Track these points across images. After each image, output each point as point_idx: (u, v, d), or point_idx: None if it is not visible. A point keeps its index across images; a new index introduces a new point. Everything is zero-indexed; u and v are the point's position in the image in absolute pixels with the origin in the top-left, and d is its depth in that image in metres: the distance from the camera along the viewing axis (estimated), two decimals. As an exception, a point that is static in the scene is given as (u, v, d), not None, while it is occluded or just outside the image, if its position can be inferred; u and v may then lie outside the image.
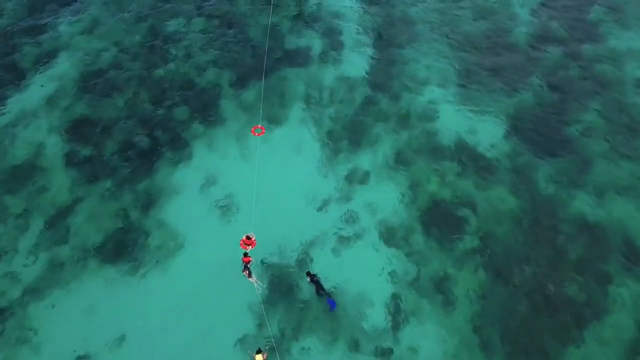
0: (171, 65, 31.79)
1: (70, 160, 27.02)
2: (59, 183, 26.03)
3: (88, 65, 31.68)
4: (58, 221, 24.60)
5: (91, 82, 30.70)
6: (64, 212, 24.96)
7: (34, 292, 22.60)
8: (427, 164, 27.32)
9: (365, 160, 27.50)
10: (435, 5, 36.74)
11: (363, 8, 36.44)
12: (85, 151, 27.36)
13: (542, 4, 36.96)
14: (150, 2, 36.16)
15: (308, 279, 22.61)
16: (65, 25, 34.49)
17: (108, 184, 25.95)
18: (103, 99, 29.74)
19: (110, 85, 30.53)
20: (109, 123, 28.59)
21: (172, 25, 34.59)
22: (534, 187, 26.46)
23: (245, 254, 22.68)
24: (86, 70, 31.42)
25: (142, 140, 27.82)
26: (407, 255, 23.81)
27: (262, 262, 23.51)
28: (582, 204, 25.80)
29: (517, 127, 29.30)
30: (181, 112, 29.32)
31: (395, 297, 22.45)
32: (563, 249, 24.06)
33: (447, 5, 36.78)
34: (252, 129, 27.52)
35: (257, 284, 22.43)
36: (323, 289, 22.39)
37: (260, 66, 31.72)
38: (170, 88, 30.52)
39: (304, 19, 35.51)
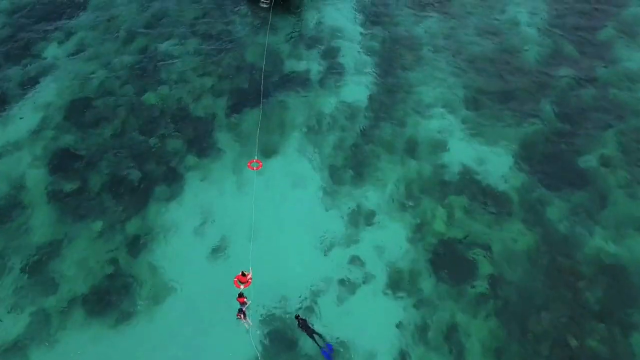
0: (163, 91, 30.09)
1: (54, 196, 25.29)
2: (42, 222, 24.29)
3: (75, 91, 29.94)
4: (40, 266, 22.85)
5: (78, 110, 28.96)
6: (46, 256, 23.20)
7: (8, 351, 20.77)
8: (435, 199, 25.69)
9: (369, 195, 25.86)
10: (440, 24, 35.19)
11: (365, 27, 34.85)
12: (71, 186, 25.61)
13: (551, 23, 35.46)
14: (142, 21, 34.47)
15: (297, 324, 20.97)
16: (52, 46, 32.76)
17: (95, 223, 24.21)
18: (90, 129, 28.00)
19: (98, 113, 28.80)
20: (96, 155, 26.85)
21: (165, 46, 32.90)
22: (548, 224, 24.87)
23: (240, 295, 21.10)
24: (73, 96, 29.67)
25: (132, 174, 26.10)
26: (416, 303, 22.16)
27: (258, 311, 21.81)
28: (601, 242, 24.22)
29: (528, 157, 27.74)
30: (174, 143, 27.62)
31: (403, 352, 20.79)
32: (583, 294, 22.47)
33: (452, 24, 35.24)
34: (249, 163, 25.87)
35: (248, 327, 20.83)
36: (316, 335, 20.73)
37: (258, 91, 30.13)
38: (162, 116, 28.81)
39: (303, 39, 33.89)
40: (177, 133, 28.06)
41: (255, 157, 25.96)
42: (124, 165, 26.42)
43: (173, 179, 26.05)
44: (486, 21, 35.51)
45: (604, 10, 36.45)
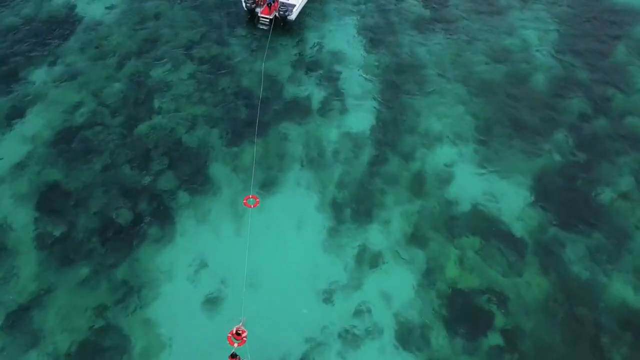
0: (156, 121, 28.50)
1: (38, 238, 23.62)
2: (25, 268, 22.60)
3: (63, 121, 28.29)
4: (22, 318, 21.18)
5: (66, 142, 27.31)
6: (29, 306, 21.54)
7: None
8: (444, 241, 24.16)
9: (375, 235, 24.31)
10: (446, 47, 33.69)
11: (367, 50, 33.32)
12: (57, 227, 23.95)
13: (561, 46, 34.04)
14: (134, 45, 32.86)
15: None
16: (39, 72, 31.09)
17: (82, 270, 22.54)
18: (78, 163, 26.37)
19: (87, 145, 27.17)
20: (84, 192, 25.22)
21: (158, 71, 31.30)
22: (566, 268, 23.36)
23: (234, 355, 19.48)
24: (61, 127, 28.02)
25: (122, 214, 24.47)
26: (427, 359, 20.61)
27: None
28: (623, 289, 22.74)
29: (542, 192, 26.26)
30: (166, 178, 26.00)
31: (415, 418, 19.27)
32: (605, 349, 20.94)
33: (459, 46, 33.75)
34: (244, 199, 24.31)
35: None
36: None
37: (254, 121, 28.53)
38: (154, 148, 27.20)
39: (303, 63, 32.33)
40: (170, 167, 26.44)
41: (252, 193, 24.38)
42: (113, 204, 24.79)
43: (165, 219, 24.43)
44: (494, 44, 34.02)
45: (614, 30, 35.07)
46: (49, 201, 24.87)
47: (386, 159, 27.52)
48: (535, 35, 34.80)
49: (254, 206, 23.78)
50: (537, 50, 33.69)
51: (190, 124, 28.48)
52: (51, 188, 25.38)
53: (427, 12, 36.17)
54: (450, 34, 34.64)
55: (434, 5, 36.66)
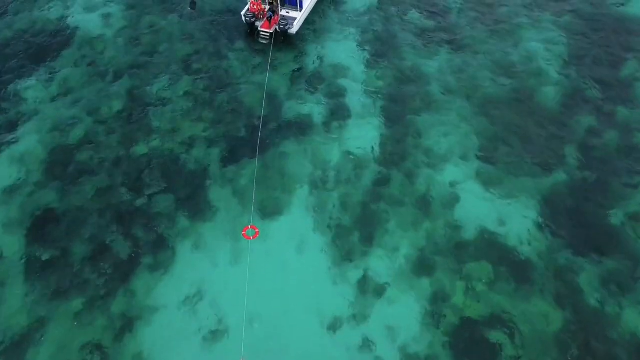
0: (152, 140, 27.62)
1: (30, 267, 22.75)
2: (16, 301, 21.75)
3: (57, 140, 27.43)
4: (12, 355, 20.31)
5: (59, 163, 26.47)
6: (20, 343, 20.67)
7: None
8: (451, 268, 23.28)
9: (379, 263, 23.42)
10: (451, 60, 32.80)
11: (370, 65, 32.41)
12: (49, 255, 23.08)
13: (569, 58, 33.13)
14: (130, 59, 31.98)
15: None
16: (33, 88, 30.23)
17: (76, 302, 21.63)
18: (72, 186, 25.51)
19: (81, 167, 26.31)
20: (78, 218, 24.35)
21: (155, 87, 30.42)
22: (579, 297, 22.47)
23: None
24: (54, 146, 27.18)
25: (117, 241, 23.60)
26: (435, 397, 19.78)
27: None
28: (638, 319, 21.87)
29: (552, 214, 25.38)
30: (164, 202, 25.13)
31: None
32: (622, 387, 20.10)
33: (463, 60, 32.85)
34: (243, 230, 23.43)
35: None
36: None
37: (255, 139, 27.70)
38: (151, 170, 26.34)
39: (304, 78, 31.45)
40: (166, 190, 25.57)
41: (251, 223, 23.51)
42: (108, 230, 23.92)
43: (161, 247, 23.56)
44: (499, 57, 33.13)
45: (624, 42, 34.13)
46: (41, 227, 24.01)
47: (390, 179, 26.65)
48: (541, 48, 33.89)
49: (253, 237, 22.91)
50: (543, 64, 32.78)
51: (188, 143, 27.61)
52: (43, 213, 24.52)
53: (430, 24, 35.29)
54: (455, 47, 33.74)
55: (437, 17, 35.77)
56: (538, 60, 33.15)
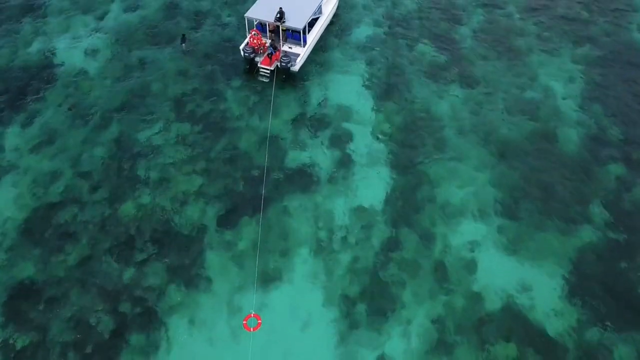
0: (141, 197, 25.21)
1: (4, 354, 20.34)
2: (-13, 395, 19.43)
3: (37, 198, 24.99)
4: None
5: (39, 225, 24.03)
6: None
7: None
8: (472, 346, 21.00)
9: (393, 342, 21.09)
10: (464, 99, 30.52)
11: (377, 105, 30.10)
12: (25, 338, 20.63)
13: (590, 95, 30.95)
14: (117, 101, 29.54)
15: None
16: (10, 136, 27.77)
17: (53, 396, 19.36)
18: (52, 253, 23.07)
19: (62, 230, 23.89)
20: (58, 291, 21.92)
21: (145, 133, 28.01)
22: (615, 381, 20.34)
23: None
24: (34, 205, 24.73)
25: (102, 320, 21.19)
26: None
27: None
28: (680, 408, 19.73)
29: (581, 280, 23.16)
30: (154, 272, 22.73)
31: None
32: None
33: (477, 98, 30.58)
34: (244, 320, 21.03)
35: None
36: None
37: (255, 194, 25.44)
38: (139, 233, 23.94)
39: (307, 121, 29.11)
40: (157, 258, 23.16)
41: (252, 312, 21.14)
42: (91, 307, 21.50)
43: (152, 325, 21.16)
44: (515, 95, 30.88)
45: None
46: (16, 304, 21.56)
47: (402, 240, 24.37)
48: (560, 83, 31.71)
49: (254, 329, 20.56)
50: (562, 102, 30.60)
51: (181, 200, 25.23)
52: (19, 287, 22.06)
53: (440, 58, 32.99)
54: (467, 83, 31.48)
55: (448, 50, 33.48)
56: (556, 98, 30.96)
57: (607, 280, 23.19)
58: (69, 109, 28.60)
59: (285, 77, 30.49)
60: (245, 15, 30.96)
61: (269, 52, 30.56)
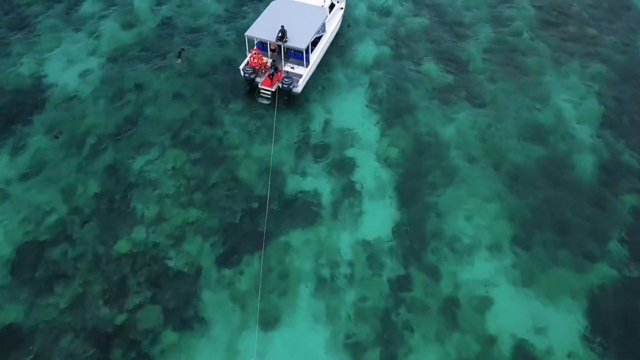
0: (136, 233, 23.95)
1: (-10, 406, 19.20)
2: None
3: (26, 234, 23.74)
4: None
5: (28, 264, 22.79)
6: None
7: None
8: (488, 397, 19.90)
9: (403, 393, 20.02)
10: (473, 122, 29.28)
11: (382, 130, 28.89)
12: (12, 391, 19.52)
13: (604, 118, 29.78)
14: (111, 127, 28.28)
15: None
16: (0, 164, 26.57)
17: None
18: (41, 296, 21.79)
19: (52, 269, 22.63)
20: (47, 338, 20.66)
21: (139, 162, 26.76)
22: None
23: None
24: (22, 242, 23.48)
25: (93, 369, 20.04)
26: None
27: None
28: None
29: (599, 320, 22.00)
30: (149, 314, 21.50)
31: None
32: None
33: (486, 122, 29.35)
34: (245, 365, 19.97)
35: None
36: None
37: (255, 228, 24.26)
38: (133, 272, 22.70)
39: (308, 148, 27.87)
40: (152, 299, 21.90)
41: (254, 358, 19.96)
42: (82, 354, 20.28)
43: (147, 375, 20.03)
44: (526, 117, 29.67)
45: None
46: (2, 350, 20.34)
47: (410, 277, 23.19)
48: (571, 105, 30.51)
49: None
50: (575, 125, 29.41)
51: (177, 236, 23.99)
52: (5, 332, 20.84)
53: (447, 78, 31.77)
54: (476, 105, 30.27)
55: (455, 70, 32.24)
56: (568, 120, 29.78)
57: (627, 320, 22.04)
58: (56, 137, 27.24)
59: (287, 99, 29.26)
60: (246, 34, 29.72)
61: (270, 73, 29.31)
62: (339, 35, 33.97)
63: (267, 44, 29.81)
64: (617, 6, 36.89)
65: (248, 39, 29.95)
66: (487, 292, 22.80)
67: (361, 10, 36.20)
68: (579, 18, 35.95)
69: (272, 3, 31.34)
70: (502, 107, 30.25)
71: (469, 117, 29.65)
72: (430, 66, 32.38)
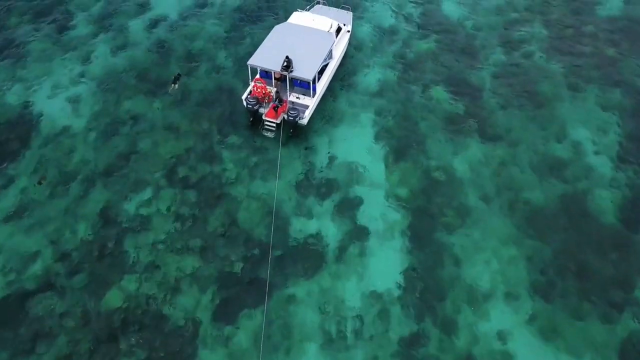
0: (128, 283, 22.26)
1: None
2: None
3: (8, 286, 22.04)
4: None
5: (10, 319, 21.08)
6: None
7: None
8: None
9: None
10: (486, 155, 27.65)
11: (390, 163, 27.23)
12: None
13: (624, 150, 28.15)
14: (103, 163, 26.56)
15: None
16: (-17, 204, 24.91)
17: None
18: (25, 356, 20.15)
19: (37, 327, 20.89)
20: (30, 406, 19.07)
21: (132, 203, 25.04)
22: None
23: None
24: (5, 295, 21.79)
25: None
26: None
27: None
28: None
29: (626, 380, 20.45)
30: (141, 378, 19.90)
31: None
32: None
33: (500, 156, 27.69)
34: None
35: None
36: None
37: (256, 278, 22.62)
38: (124, 328, 20.98)
39: (312, 185, 26.21)
40: (145, 358, 20.27)
41: None
42: None
43: None
44: (542, 150, 28.03)
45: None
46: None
47: (423, 332, 21.53)
48: (590, 135, 28.86)
49: None
50: (594, 159, 27.75)
51: (172, 287, 22.29)
52: (-14, 401, 19.23)
53: (457, 107, 30.12)
54: (488, 138, 28.62)
55: (465, 98, 30.55)
56: (587, 153, 28.14)
57: (658, 381, 20.45)
58: (39, 183, 25.42)
59: (292, 131, 27.57)
60: (248, 62, 27.83)
61: (275, 106, 27.56)
62: (344, 57, 32.30)
63: (271, 72, 28.03)
64: (634, 26, 35.30)
65: (251, 68, 28.17)
66: (506, 346, 21.17)
67: (366, 32, 34.54)
68: (594, 38, 34.34)
69: (275, 28, 29.54)
70: (515, 138, 28.61)
71: (481, 150, 28.01)
72: (440, 93, 30.72)
